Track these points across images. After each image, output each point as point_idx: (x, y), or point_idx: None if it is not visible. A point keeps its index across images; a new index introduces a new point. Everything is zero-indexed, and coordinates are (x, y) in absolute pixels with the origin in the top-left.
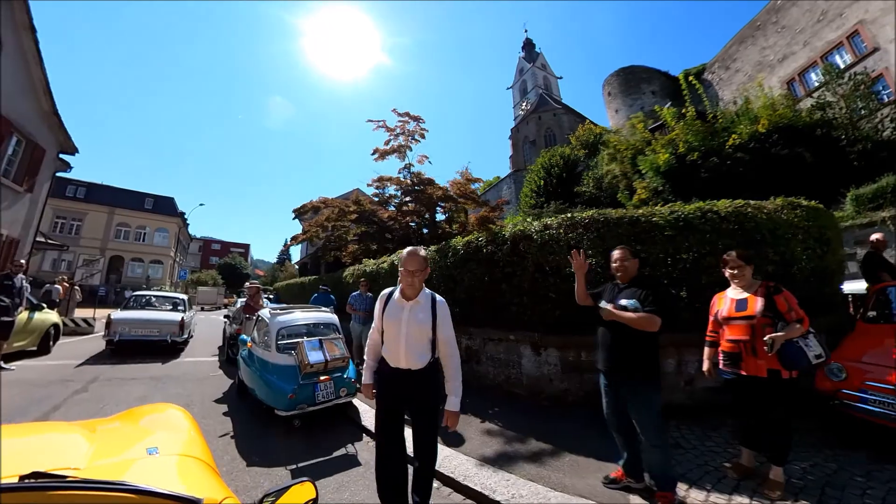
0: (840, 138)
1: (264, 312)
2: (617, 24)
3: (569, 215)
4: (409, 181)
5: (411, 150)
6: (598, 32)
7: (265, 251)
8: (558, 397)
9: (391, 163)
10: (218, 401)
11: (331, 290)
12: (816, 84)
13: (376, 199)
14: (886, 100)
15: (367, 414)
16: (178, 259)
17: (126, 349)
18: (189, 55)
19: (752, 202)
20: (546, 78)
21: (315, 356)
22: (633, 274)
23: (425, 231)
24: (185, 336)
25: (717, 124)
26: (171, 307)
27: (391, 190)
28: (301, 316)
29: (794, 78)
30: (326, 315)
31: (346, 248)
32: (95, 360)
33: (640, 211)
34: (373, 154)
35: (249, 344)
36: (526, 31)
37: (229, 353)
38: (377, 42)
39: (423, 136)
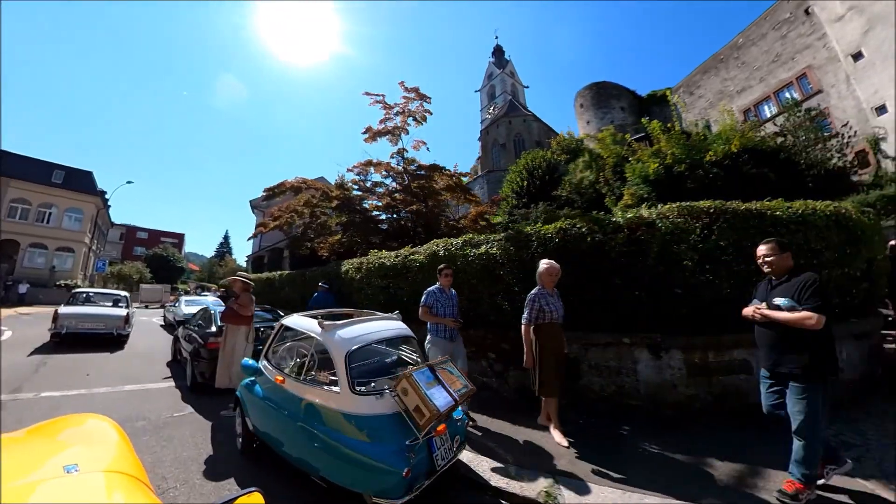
0: (799, 163)
1: (302, 322)
2: (581, 43)
3: (686, 204)
4: (401, 168)
5: (407, 134)
6: (562, 49)
7: (198, 244)
8: (684, 405)
9: (379, 147)
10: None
11: (330, 288)
12: (768, 115)
13: (356, 187)
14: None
15: (482, 465)
16: (94, 247)
17: (72, 341)
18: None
19: (843, 205)
20: (514, 85)
21: (440, 397)
22: (786, 268)
23: (418, 228)
24: (129, 329)
25: (698, 141)
26: (111, 303)
27: (377, 177)
28: (371, 328)
29: (750, 108)
30: (398, 324)
31: (325, 239)
32: (42, 350)
33: (758, 205)
34: (363, 133)
35: (280, 378)
36: (497, 37)
37: (197, 376)
38: (337, 29)
39: (423, 119)
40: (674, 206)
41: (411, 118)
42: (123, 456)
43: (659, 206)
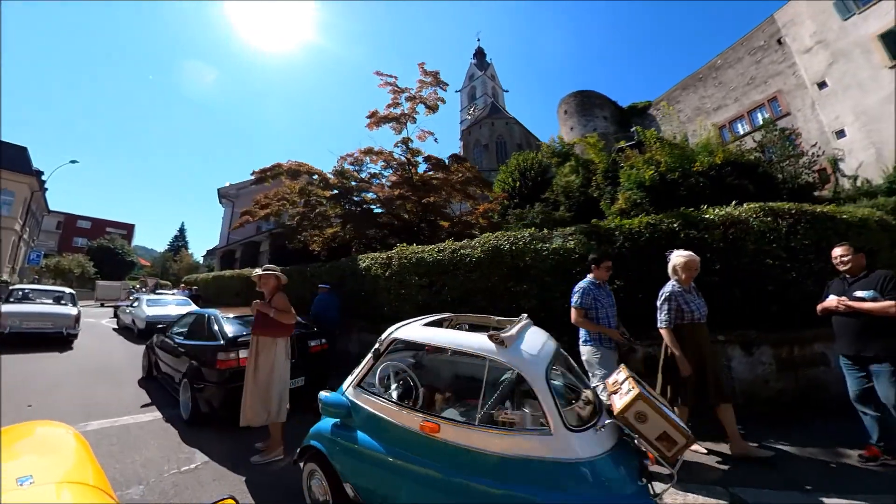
0: (776, 177)
1: (442, 336)
2: (561, 52)
3: (770, 204)
4: (404, 158)
5: (414, 123)
6: (542, 56)
7: (147, 238)
8: (774, 399)
9: (379, 135)
10: None
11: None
12: (741, 133)
13: (352, 179)
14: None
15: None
16: (25, 236)
17: (15, 341)
18: None
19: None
20: (494, 88)
21: (677, 418)
22: (861, 266)
23: (422, 224)
24: (79, 329)
25: (688, 151)
26: (52, 301)
27: (374, 168)
28: (534, 340)
29: (725, 125)
30: (545, 333)
31: (319, 232)
32: None
33: (828, 209)
34: (368, 118)
35: (431, 425)
36: (479, 39)
37: (200, 405)
38: (312, 18)
39: (435, 108)
40: (755, 205)
41: (422, 105)
42: (83, 465)
43: (719, 207)
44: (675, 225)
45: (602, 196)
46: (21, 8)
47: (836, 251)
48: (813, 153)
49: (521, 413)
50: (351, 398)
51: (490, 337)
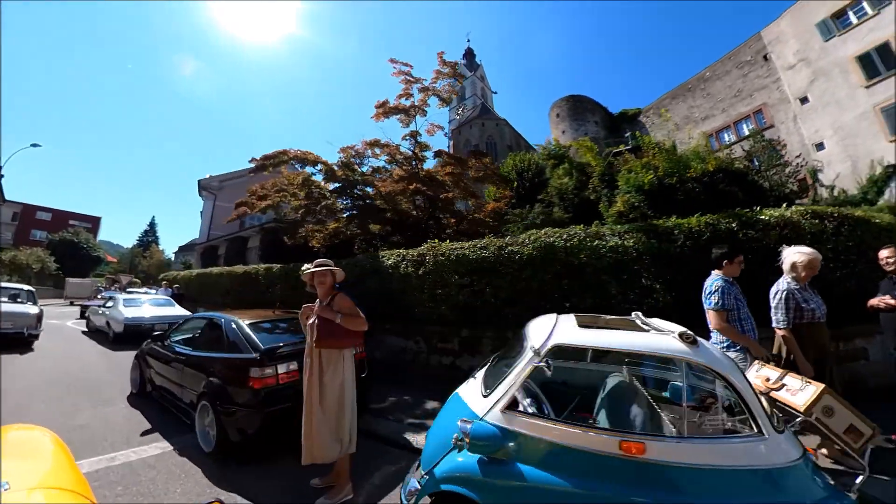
0: (763, 185)
1: (621, 339)
2: (551, 56)
3: (813, 208)
4: (411, 153)
5: (424, 116)
6: (532, 59)
7: (113, 232)
8: None
9: (384, 127)
10: None
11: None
12: (727, 142)
13: (355, 172)
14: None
15: None
16: None
17: None
18: None
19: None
20: (483, 89)
21: None
22: None
23: (430, 220)
24: (41, 330)
25: (683, 157)
26: (7, 299)
27: (377, 162)
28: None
29: (712, 134)
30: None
31: (322, 227)
32: None
33: (861, 212)
34: (378, 108)
35: (637, 446)
36: (469, 40)
37: (231, 433)
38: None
39: (448, 101)
40: (799, 208)
41: (435, 97)
42: (62, 469)
43: (772, 209)
44: (734, 225)
45: (599, 198)
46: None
47: (883, 253)
48: (797, 163)
49: (721, 418)
50: (502, 425)
51: (681, 337)
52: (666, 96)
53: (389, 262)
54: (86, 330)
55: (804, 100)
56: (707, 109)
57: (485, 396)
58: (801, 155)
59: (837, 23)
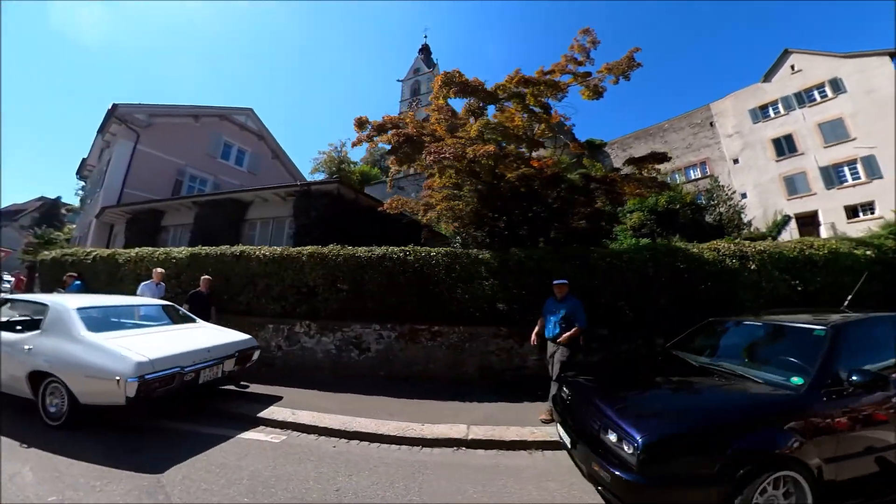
0: (715, 219)
1: None
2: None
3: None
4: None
5: (564, 95)
6: (489, 70)
7: None
8: None
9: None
10: None
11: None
12: (692, 178)
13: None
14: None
15: None
16: None
17: None
18: None
19: None
20: None
21: None
22: None
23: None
24: None
25: (680, 188)
26: None
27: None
28: None
29: (667, 173)
30: None
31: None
32: None
33: None
34: (549, 72)
35: None
36: (426, 36)
37: None
38: None
39: (600, 94)
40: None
41: (582, 86)
42: None
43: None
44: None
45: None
46: None
47: None
48: (740, 204)
49: None
50: None
51: None
52: (630, 136)
53: (706, 255)
54: None
55: (736, 161)
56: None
57: None
58: (743, 197)
59: (762, 113)
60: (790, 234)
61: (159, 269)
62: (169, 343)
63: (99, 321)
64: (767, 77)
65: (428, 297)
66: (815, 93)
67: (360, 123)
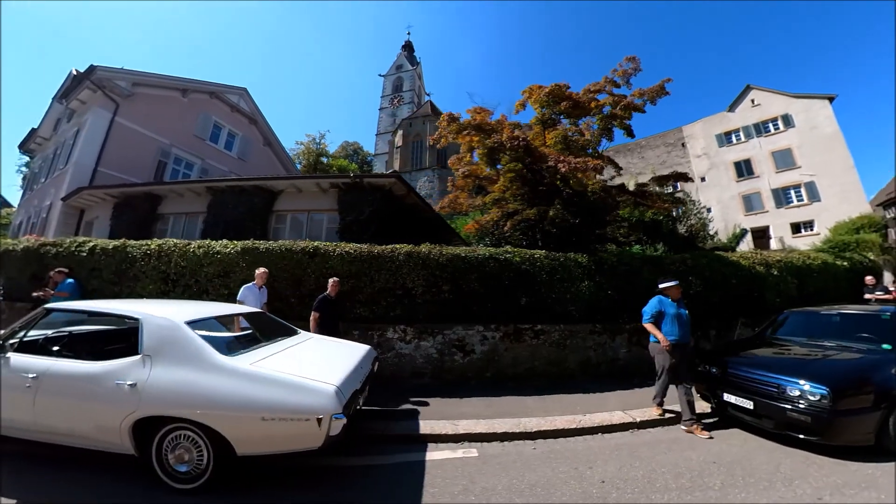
0: (693, 228)
1: None
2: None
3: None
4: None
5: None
6: (469, 74)
7: None
8: None
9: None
10: None
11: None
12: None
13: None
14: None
15: None
16: None
17: None
18: None
19: None
20: (420, 88)
21: None
22: None
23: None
24: None
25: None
26: None
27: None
28: None
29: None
30: None
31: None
32: None
33: None
34: (592, 91)
35: None
36: (409, 33)
37: None
38: None
39: (639, 109)
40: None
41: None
42: None
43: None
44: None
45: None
46: None
47: (867, 278)
48: (707, 217)
49: None
50: None
51: None
52: (611, 149)
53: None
54: None
55: (703, 179)
56: (641, 167)
57: None
58: (711, 211)
59: (727, 138)
60: (747, 245)
61: (261, 269)
62: (325, 363)
63: (220, 339)
64: (732, 107)
65: (532, 298)
66: (770, 125)
67: (451, 119)
